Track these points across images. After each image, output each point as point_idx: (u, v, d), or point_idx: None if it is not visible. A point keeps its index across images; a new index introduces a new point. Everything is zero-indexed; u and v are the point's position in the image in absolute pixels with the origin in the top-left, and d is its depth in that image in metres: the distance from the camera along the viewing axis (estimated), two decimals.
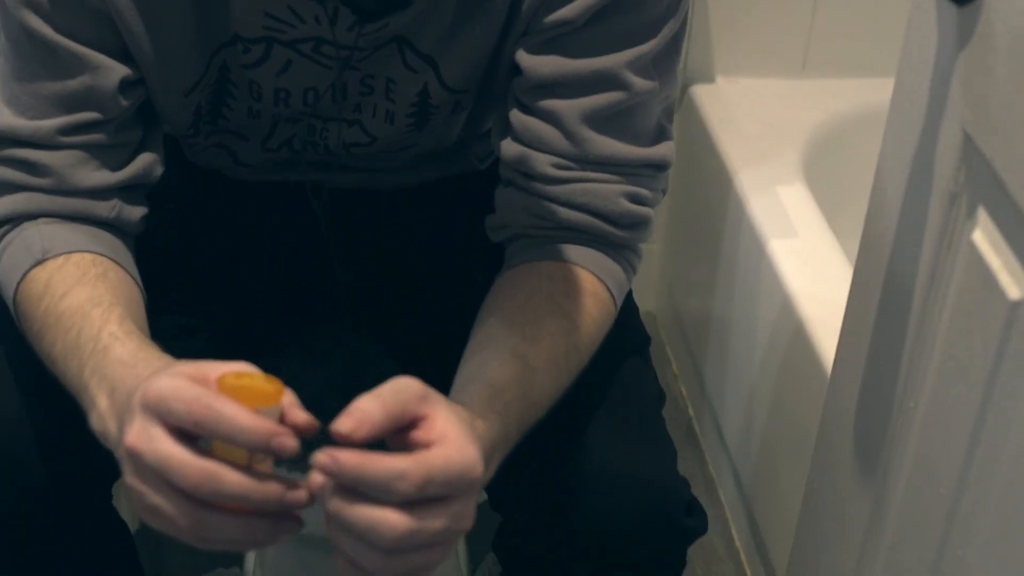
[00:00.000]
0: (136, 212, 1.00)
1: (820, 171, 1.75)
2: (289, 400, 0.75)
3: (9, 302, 0.95)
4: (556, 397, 0.93)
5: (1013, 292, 0.73)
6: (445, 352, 0.97)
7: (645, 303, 2.16)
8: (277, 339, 1.24)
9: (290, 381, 1.24)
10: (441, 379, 0.94)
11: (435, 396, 0.77)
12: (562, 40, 0.95)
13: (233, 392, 0.72)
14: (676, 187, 1.91)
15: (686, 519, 1.01)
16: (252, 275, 1.17)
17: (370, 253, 1.19)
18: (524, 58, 0.97)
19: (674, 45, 0.98)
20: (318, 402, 1.24)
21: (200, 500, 0.72)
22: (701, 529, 1.04)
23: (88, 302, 0.89)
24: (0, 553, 1.04)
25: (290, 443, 0.71)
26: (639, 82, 0.96)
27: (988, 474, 0.76)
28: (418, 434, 0.75)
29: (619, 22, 0.94)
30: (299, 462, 0.74)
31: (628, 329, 1.05)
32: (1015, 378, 0.72)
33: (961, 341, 0.79)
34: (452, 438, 0.75)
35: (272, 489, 0.72)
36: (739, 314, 1.71)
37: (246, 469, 0.72)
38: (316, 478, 0.72)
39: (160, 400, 0.72)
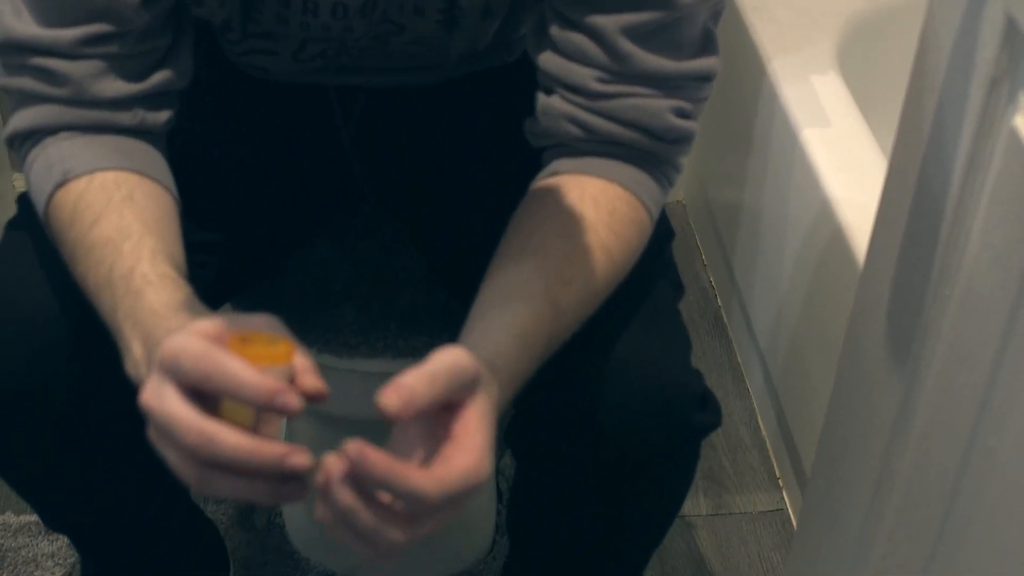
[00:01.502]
0: (161, 116, 0.98)
1: (854, 60, 1.73)
2: (302, 364, 0.74)
3: (43, 222, 0.95)
4: (578, 328, 0.93)
5: None
6: (474, 239, 0.96)
7: (675, 192, 2.16)
8: (305, 229, 1.24)
9: (319, 268, 1.25)
10: (470, 268, 0.93)
11: (481, 383, 0.77)
12: None
13: (242, 351, 0.72)
14: None
15: (698, 413, 1.01)
16: (279, 171, 1.17)
17: (396, 150, 1.19)
18: None
19: None
20: (349, 289, 1.25)
21: (201, 460, 0.71)
22: (714, 423, 1.03)
23: (117, 234, 0.88)
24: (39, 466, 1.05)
25: (294, 401, 0.70)
26: None
27: (1023, 363, 0.76)
28: (449, 422, 0.76)
29: None
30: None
31: None
32: None
33: (998, 228, 0.78)
34: (474, 446, 0.75)
35: (271, 451, 0.70)
36: (770, 204, 1.70)
37: (249, 431, 0.71)
38: (334, 464, 0.71)
39: (173, 358, 0.72)
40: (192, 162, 1.04)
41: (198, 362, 0.71)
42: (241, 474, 0.72)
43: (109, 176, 0.92)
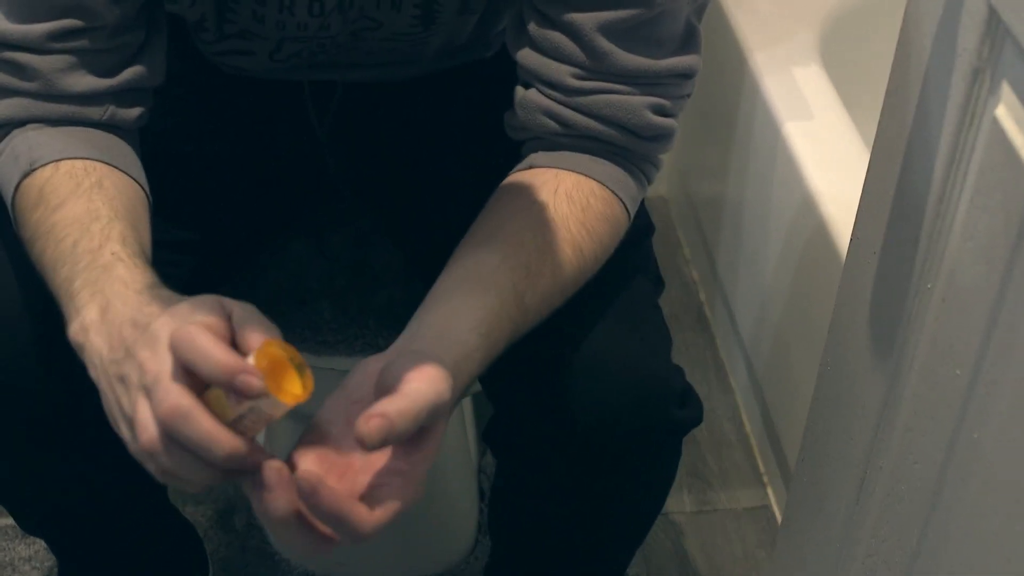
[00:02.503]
0: (132, 112, 0.97)
1: (837, 52, 1.72)
2: None
3: (10, 214, 0.93)
4: (540, 323, 0.92)
5: None
6: (451, 232, 0.95)
7: (657, 187, 2.15)
8: (280, 225, 1.23)
9: (295, 265, 1.24)
10: (445, 261, 0.92)
11: (443, 413, 0.77)
12: None
13: (272, 376, 0.71)
14: None
15: (678, 410, 1.00)
16: (252, 167, 1.16)
17: (372, 144, 1.18)
18: None
19: None
20: (326, 285, 1.24)
21: (170, 431, 0.71)
22: (695, 420, 1.03)
23: (86, 215, 0.87)
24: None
25: (255, 383, 0.69)
26: None
27: (1006, 354, 0.75)
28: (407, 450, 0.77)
29: None
30: None
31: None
32: None
33: (981, 220, 0.78)
34: (418, 475, 0.76)
35: (234, 442, 0.71)
36: (753, 198, 1.69)
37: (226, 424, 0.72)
38: (280, 493, 0.72)
39: (188, 339, 0.71)
40: (164, 158, 1.03)
41: (189, 346, 0.70)
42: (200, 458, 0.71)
43: (78, 164, 0.91)
